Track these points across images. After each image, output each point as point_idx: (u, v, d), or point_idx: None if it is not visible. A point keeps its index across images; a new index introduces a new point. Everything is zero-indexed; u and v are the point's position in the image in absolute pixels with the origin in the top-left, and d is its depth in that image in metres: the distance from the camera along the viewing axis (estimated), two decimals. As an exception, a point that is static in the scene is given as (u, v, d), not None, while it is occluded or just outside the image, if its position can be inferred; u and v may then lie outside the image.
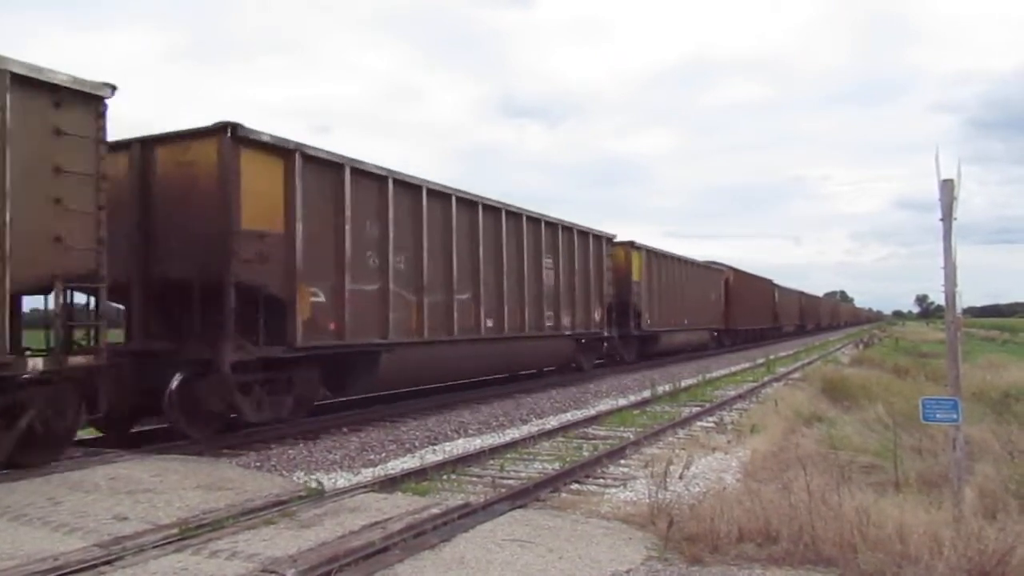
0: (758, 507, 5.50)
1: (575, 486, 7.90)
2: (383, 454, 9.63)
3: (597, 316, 20.60)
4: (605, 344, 22.25)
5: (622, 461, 9.18)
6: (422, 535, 5.51)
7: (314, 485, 7.35)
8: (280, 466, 8.71)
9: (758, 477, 7.66)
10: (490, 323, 15.10)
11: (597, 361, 22.62)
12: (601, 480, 8.25)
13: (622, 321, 22.79)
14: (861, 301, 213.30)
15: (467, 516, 6.06)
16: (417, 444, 10.32)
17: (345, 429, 11.15)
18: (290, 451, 9.50)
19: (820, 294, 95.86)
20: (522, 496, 6.95)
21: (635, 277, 23.67)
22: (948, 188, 6.05)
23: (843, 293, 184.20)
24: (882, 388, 15.91)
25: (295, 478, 8.03)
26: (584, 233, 20.11)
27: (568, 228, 19.18)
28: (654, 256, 25.79)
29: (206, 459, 8.61)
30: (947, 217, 6.08)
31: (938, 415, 5.96)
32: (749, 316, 40.65)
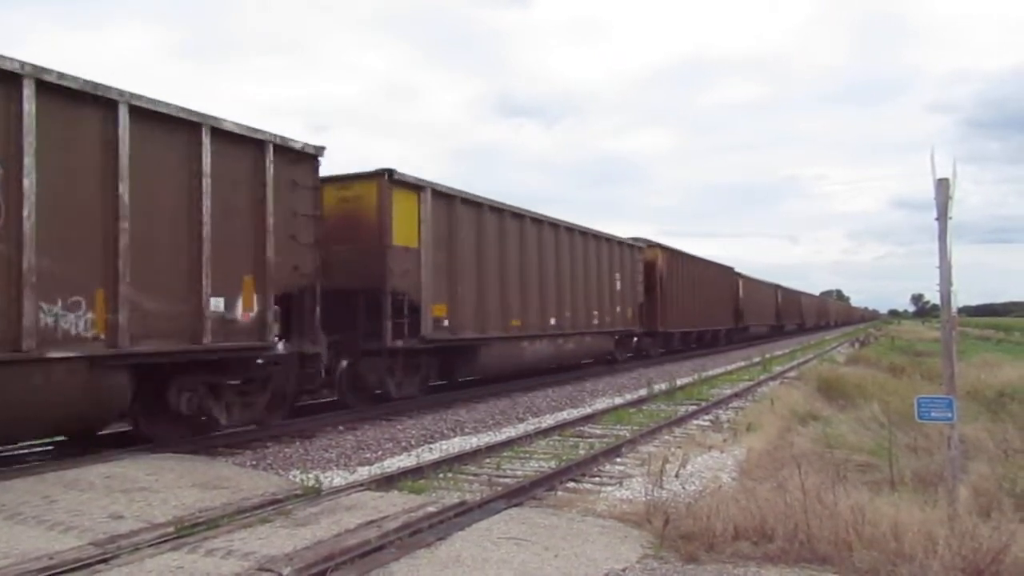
0: (754, 505, 5.52)
1: (571, 484, 7.91)
2: (379, 452, 9.63)
3: (243, 312, 9.53)
4: (270, 373, 10.32)
5: (618, 459, 9.18)
6: (418, 533, 5.51)
7: (310, 483, 7.34)
8: (276, 464, 8.71)
9: (754, 475, 7.68)
10: None
11: (308, 403, 12.71)
12: (597, 478, 8.25)
13: (370, 326, 12.40)
14: (858, 300, 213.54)
15: (463, 514, 6.07)
16: (413, 442, 10.32)
17: (341, 427, 11.15)
18: (286, 449, 9.50)
19: (808, 291, 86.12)
20: (518, 494, 6.96)
21: (399, 239, 12.65)
22: (943, 187, 6.06)
23: (839, 292, 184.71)
24: (878, 387, 15.94)
25: (291, 476, 8.03)
26: (179, 122, 8.72)
27: (101, 101, 7.92)
28: (463, 207, 14.46)
29: (202, 458, 8.60)
30: (942, 216, 6.09)
31: (933, 414, 5.98)
32: (695, 314, 30.07)
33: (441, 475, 8.14)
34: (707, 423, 12.39)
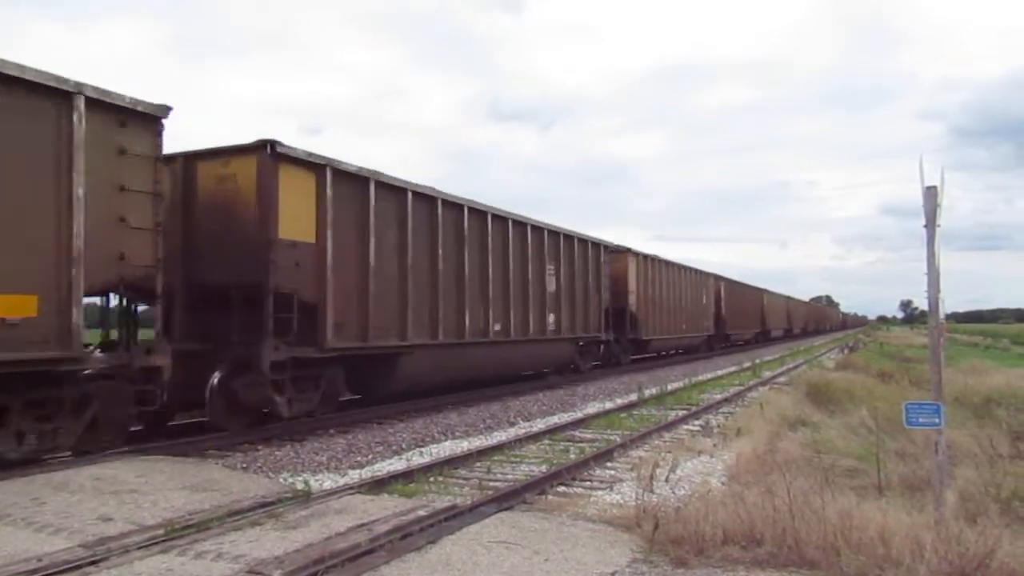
0: (743, 510, 5.55)
1: (562, 488, 7.92)
2: (370, 456, 9.62)
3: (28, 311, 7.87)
4: (87, 392, 8.50)
5: (608, 464, 9.21)
6: (408, 537, 5.51)
7: (300, 486, 7.34)
8: (266, 467, 8.69)
9: (743, 480, 7.71)
10: None
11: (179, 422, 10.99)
12: (588, 482, 8.27)
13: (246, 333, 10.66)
14: (847, 305, 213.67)
15: (454, 518, 6.07)
16: (404, 446, 10.31)
17: (332, 431, 11.13)
18: (277, 452, 9.49)
19: (798, 296, 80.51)
20: (509, 498, 6.97)
21: (288, 231, 10.61)
22: (932, 195, 6.12)
23: (829, 297, 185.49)
24: (866, 392, 16.02)
25: (281, 479, 8.02)
26: None
27: None
28: (382, 192, 12.41)
29: (192, 460, 8.58)
30: (931, 224, 6.14)
31: (921, 419, 6.02)
32: (672, 320, 28.33)
33: (431, 479, 8.14)
34: (697, 428, 12.42)
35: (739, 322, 41.71)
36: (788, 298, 64.54)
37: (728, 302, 39.15)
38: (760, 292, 49.36)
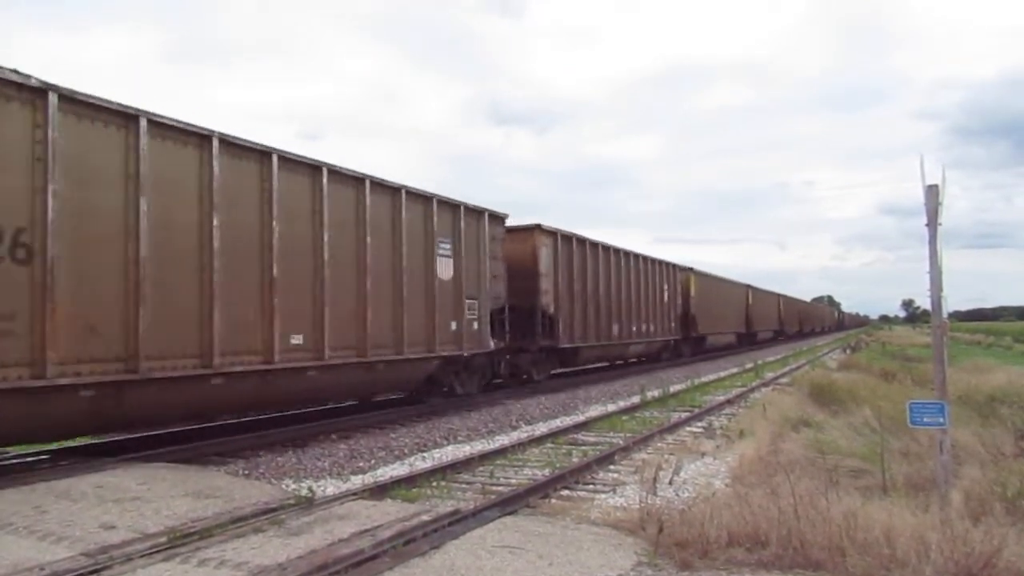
0: (747, 512, 5.52)
1: (565, 492, 7.90)
2: (372, 461, 9.61)
3: None
4: None
5: (612, 467, 9.18)
6: (412, 542, 5.50)
7: (303, 493, 7.32)
8: (269, 474, 8.68)
9: (747, 482, 7.68)
10: None
11: None
12: (591, 486, 8.25)
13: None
14: (848, 305, 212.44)
15: (457, 523, 6.06)
16: (406, 451, 10.30)
17: (334, 436, 11.12)
18: (279, 458, 9.47)
19: (800, 296, 72.57)
20: (512, 502, 6.95)
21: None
22: (933, 193, 6.12)
23: (830, 297, 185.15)
24: (869, 392, 15.93)
25: (284, 486, 8.00)
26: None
27: None
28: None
29: (194, 467, 8.56)
30: (932, 222, 6.14)
31: (925, 419, 6.01)
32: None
33: (434, 483, 8.13)
34: (700, 429, 12.40)
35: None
36: (749, 287, 45.08)
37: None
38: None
